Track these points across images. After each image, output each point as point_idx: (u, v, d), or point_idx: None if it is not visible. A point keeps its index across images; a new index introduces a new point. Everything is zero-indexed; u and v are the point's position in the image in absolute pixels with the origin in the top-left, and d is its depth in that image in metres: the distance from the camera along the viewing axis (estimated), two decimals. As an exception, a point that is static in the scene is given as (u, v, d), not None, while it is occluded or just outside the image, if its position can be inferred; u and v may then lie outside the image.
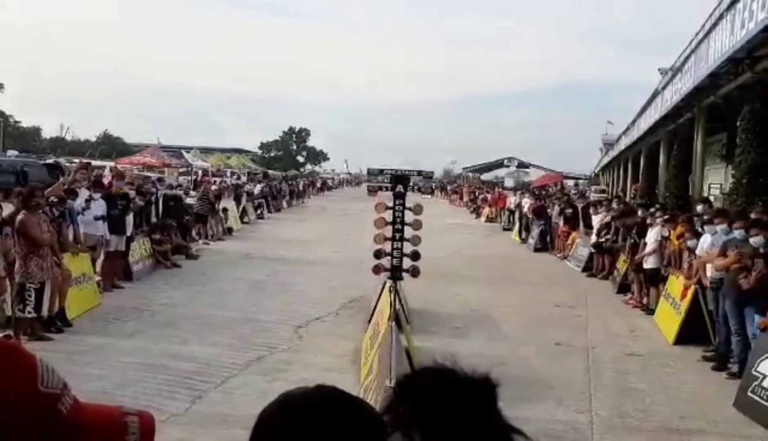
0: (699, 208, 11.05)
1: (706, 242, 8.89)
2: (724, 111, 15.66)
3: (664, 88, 20.08)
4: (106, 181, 13.11)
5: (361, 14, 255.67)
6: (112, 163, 29.31)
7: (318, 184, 64.04)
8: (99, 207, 10.62)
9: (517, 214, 25.06)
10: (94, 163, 18.83)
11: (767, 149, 12.85)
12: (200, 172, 38.42)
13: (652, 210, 12.51)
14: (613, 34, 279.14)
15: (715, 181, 21.75)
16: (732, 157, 15.15)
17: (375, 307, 8.40)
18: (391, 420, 0.97)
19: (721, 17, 11.65)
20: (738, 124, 13.79)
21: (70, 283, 8.70)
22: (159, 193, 15.75)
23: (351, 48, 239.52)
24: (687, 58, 15.91)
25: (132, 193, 12.37)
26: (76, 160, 20.50)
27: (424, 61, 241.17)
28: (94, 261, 10.34)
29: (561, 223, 18.89)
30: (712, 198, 16.32)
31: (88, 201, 10.43)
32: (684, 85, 15.64)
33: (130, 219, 11.62)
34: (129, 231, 11.57)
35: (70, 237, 9.64)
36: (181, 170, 37.83)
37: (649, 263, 11.02)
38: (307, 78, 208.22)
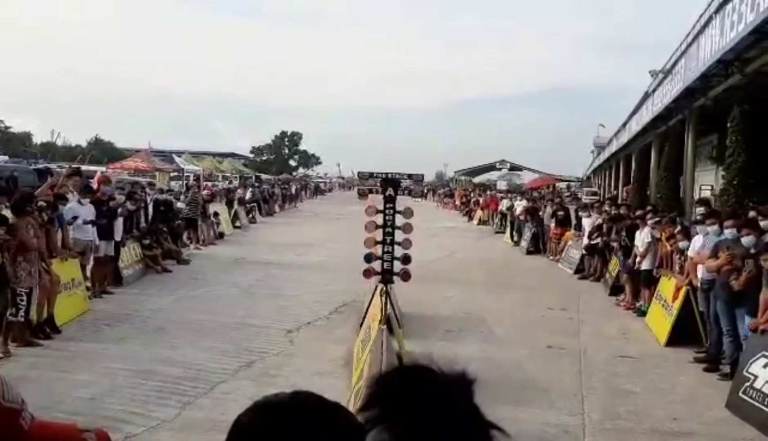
0: (699, 210, 10.99)
1: (697, 243, 8.91)
2: (715, 113, 15.72)
3: (654, 90, 20.15)
4: (94, 185, 12.99)
5: (359, 15, 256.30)
6: (103, 168, 29.11)
7: (311, 188, 63.93)
8: (88, 211, 10.55)
9: (509, 217, 25.10)
10: (84, 168, 18.62)
11: (757, 150, 12.92)
12: (191, 177, 38.25)
13: (641, 212, 12.52)
14: (609, 37, 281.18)
15: (706, 182, 21.86)
16: (722, 158, 15.21)
17: (366, 311, 8.36)
18: (369, 417, 0.96)
19: (710, 19, 11.68)
20: (728, 125, 13.85)
21: (59, 289, 8.63)
22: (149, 197, 15.69)
23: (346, 50, 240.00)
24: (677, 60, 15.97)
25: (121, 198, 12.31)
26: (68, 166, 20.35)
27: (422, 63, 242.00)
28: (83, 266, 10.26)
29: (553, 225, 18.92)
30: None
31: (76, 218, 10.30)
32: (674, 87, 15.70)
33: (119, 224, 11.55)
34: (118, 236, 11.51)
35: (59, 242, 9.57)
36: (172, 174, 37.65)
37: (643, 265, 11.04)
38: (301, 80, 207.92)
